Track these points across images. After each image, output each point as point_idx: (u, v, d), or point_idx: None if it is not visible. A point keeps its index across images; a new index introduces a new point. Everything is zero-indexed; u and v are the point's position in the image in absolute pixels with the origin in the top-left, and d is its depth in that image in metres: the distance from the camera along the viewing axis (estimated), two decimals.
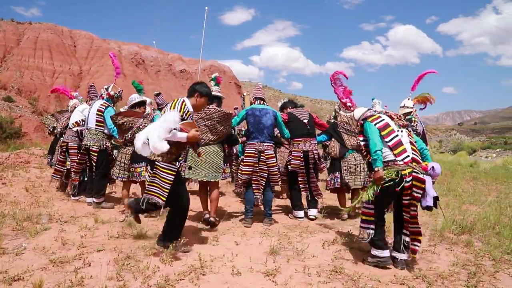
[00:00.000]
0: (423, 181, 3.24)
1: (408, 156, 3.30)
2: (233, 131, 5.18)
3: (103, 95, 5.78)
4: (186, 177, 4.71)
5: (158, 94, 6.85)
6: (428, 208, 3.27)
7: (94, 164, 5.54)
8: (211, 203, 4.74)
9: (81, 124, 6.03)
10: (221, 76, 6.03)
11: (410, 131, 3.54)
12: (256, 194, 4.87)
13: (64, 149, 6.08)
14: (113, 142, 5.69)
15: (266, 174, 4.87)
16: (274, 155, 4.95)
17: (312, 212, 5.27)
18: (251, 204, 4.91)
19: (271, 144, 4.94)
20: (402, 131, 3.46)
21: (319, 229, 4.72)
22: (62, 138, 6.46)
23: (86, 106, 6.10)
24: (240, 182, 4.95)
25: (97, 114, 5.57)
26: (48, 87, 40.03)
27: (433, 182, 3.35)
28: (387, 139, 3.36)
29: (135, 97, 5.40)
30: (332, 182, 5.38)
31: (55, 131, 6.95)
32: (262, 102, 5.14)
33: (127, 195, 5.29)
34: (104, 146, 5.60)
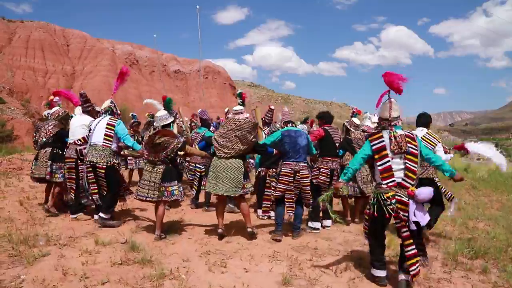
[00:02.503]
0: (407, 204, 3.41)
1: (394, 180, 3.48)
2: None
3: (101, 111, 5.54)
4: (207, 190, 5.06)
5: (202, 111, 7.05)
6: (411, 232, 3.45)
7: (101, 181, 5.29)
8: (244, 216, 5.02)
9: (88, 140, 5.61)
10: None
11: (409, 156, 3.52)
12: (289, 211, 5.11)
13: (70, 165, 5.64)
14: (128, 152, 5.62)
15: (298, 192, 5.14)
16: (308, 175, 5.19)
17: (327, 222, 5.78)
18: (281, 218, 5.15)
19: (306, 165, 5.21)
20: (399, 157, 3.53)
21: (328, 251, 4.57)
22: (44, 149, 5.90)
23: (90, 118, 5.75)
24: (273, 198, 5.20)
25: (107, 128, 5.30)
26: (40, 87, 39.51)
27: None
28: (378, 163, 3.56)
29: (165, 117, 5.12)
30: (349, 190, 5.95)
31: (38, 142, 6.10)
32: (292, 124, 5.45)
33: (163, 215, 5.00)
34: (111, 162, 5.34)
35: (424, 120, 5.12)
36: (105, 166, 5.26)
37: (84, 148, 5.50)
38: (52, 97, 6.55)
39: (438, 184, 5.10)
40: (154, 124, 5.21)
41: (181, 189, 5.01)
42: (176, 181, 4.95)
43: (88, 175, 5.30)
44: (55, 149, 5.93)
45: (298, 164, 5.09)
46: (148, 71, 53.33)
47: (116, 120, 5.44)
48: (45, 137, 5.96)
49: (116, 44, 54.11)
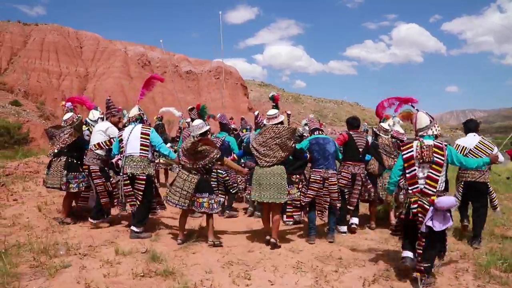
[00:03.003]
0: (426, 210, 3.71)
1: (418, 187, 3.81)
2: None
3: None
4: (252, 199, 5.14)
5: (222, 116, 6.99)
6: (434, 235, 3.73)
7: (140, 193, 5.12)
8: (273, 224, 4.96)
9: (104, 147, 5.54)
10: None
11: (434, 165, 3.79)
12: (319, 216, 5.32)
13: (86, 173, 5.57)
14: (163, 161, 5.54)
15: (329, 199, 5.26)
16: (336, 182, 5.33)
17: (354, 220, 5.83)
18: (314, 223, 5.31)
19: (335, 172, 5.35)
20: (424, 166, 3.82)
21: (353, 261, 4.42)
22: (59, 157, 5.70)
23: (108, 125, 5.61)
24: (303, 204, 5.33)
25: (141, 138, 5.15)
26: (55, 89, 39.99)
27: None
28: (407, 171, 3.93)
29: (201, 125, 5.00)
30: (366, 195, 5.87)
31: (53, 151, 5.81)
32: (320, 132, 5.54)
33: (184, 224, 5.01)
34: (150, 173, 5.23)
35: (472, 125, 5.33)
36: (145, 178, 5.11)
37: (118, 160, 5.28)
38: (64, 102, 6.42)
39: (490, 189, 5.29)
40: (191, 133, 5.08)
41: (212, 202, 4.86)
42: (207, 193, 4.86)
43: (125, 187, 5.11)
44: (70, 158, 5.70)
45: (327, 172, 5.23)
46: (160, 72, 53.22)
47: (149, 128, 5.29)
48: (60, 146, 5.67)
49: (128, 45, 54.39)
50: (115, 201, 5.65)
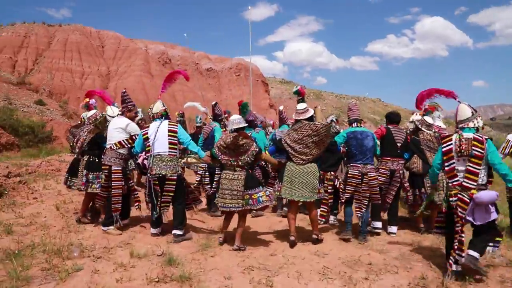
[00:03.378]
0: (467, 203, 3.65)
1: (457, 180, 3.75)
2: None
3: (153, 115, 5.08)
4: (282, 196, 4.95)
5: (215, 104, 6.76)
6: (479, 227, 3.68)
7: (171, 194, 4.85)
8: (312, 223, 4.95)
9: (126, 145, 5.17)
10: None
11: (473, 159, 3.69)
12: (357, 212, 5.11)
13: (106, 173, 5.14)
14: (189, 160, 5.47)
15: (368, 194, 5.09)
16: (376, 177, 5.13)
17: (393, 229, 5.43)
18: (350, 218, 5.16)
19: (373, 167, 5.17)
20: (463, 159, 3.73)
21: (384, 268, 4.05)
22: (83, 156, 5.57)
23: (126, 121, 5.25)
24: (343, 200, 5.27)
25: (169, 135, 4.83)
26: (78, 88, 40.73)
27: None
28: (446, 164, 3.87)
29: (238, 120, 4.79)
30: (411, 198, 5.62)
31: (75, 150, 5.61)
32: (358, 124, 5.26)
33: (228, 226, 4.88)
34: (180, 172, 4.97)
35: None
36: (175, 178, 4.83)
37: (144, 160, 5.05)
38: (87, 99, 6.27)
39: None
40: (228, 128, 4.88)
41: (268, 193, 4.66)
42: (260, 187, 4.68)
43: (155, 188, 4.82)
44: (91, 157, 5.44)
45: (365, 167, 5.06)
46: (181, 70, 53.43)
47: (176, 125, 4.98)
48: (81, 145, 5.40)
49: (149, 44, 54.80)
50: (136, 204, 5.39)
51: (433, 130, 5.47)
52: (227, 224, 4.89)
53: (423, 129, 5.47)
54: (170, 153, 4.82)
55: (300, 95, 5.32)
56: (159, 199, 4.85)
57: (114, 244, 4.56)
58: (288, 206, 5.27)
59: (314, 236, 4.84)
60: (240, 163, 4.59)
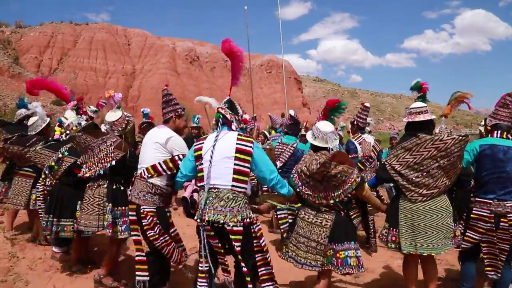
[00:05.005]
0: None
1: None
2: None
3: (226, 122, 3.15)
4: (404, 251, 3.30)
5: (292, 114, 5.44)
6: None
7: (235, 252, 2.92)
8: (427, 284, 3.44)
9: (164, 171, 3.27)
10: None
11: None
12: (488, 273, 3.44)
13: (135, 218, 3.30)
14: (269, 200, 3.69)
15: (508, 247, 3.37)
16: None
17: None
18: (471, 284, 3.57)
19: None
20: None
21: None
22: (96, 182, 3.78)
23: (169, 132, 3.36)
24: (461, 253, 3.73)
25: (236, 158, 2.92)
26: (101, 87, 40.60)
27: None
28: None
29: (331, 135, 3.40)
30: None
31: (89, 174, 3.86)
32: (503, 133, 3.48)
33: None
34: (249, 218, 2.95)
35: None
36: (241, 229, 2.89)
37: (194, 192, 3.30)
38: (113, 92, 4.04)
39: None
40: (313, 142, 3.43)
41: (358, 255, 3.26)
42: (351, 242, 3.27)
43: (212, 242, 2.98)
44: (115, 183, 3.76)
45: (503, 204, 3.33)
46: (209, 68, 53.09)
47: (251, 141, 3.05)
48: (98, 168, 3.67)
49: (176, 41, 54.82)
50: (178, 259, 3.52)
51: None
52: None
53: None
54: (234, 187, 2.93)
55: (421, 91, 3.80)
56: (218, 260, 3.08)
57: None
58: (405, 264, 3.68)
59: None
60: (330, 201, 3.20)
